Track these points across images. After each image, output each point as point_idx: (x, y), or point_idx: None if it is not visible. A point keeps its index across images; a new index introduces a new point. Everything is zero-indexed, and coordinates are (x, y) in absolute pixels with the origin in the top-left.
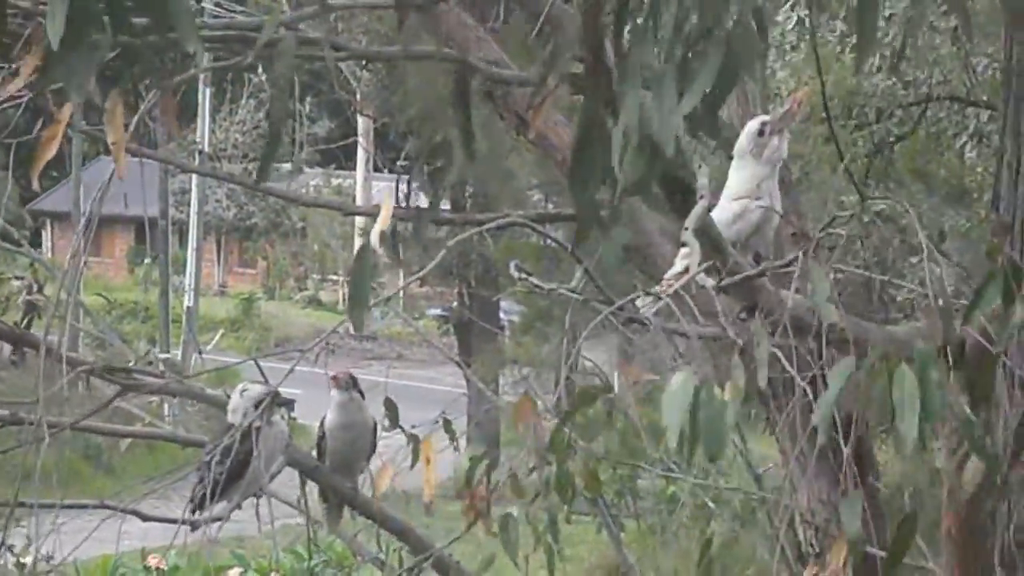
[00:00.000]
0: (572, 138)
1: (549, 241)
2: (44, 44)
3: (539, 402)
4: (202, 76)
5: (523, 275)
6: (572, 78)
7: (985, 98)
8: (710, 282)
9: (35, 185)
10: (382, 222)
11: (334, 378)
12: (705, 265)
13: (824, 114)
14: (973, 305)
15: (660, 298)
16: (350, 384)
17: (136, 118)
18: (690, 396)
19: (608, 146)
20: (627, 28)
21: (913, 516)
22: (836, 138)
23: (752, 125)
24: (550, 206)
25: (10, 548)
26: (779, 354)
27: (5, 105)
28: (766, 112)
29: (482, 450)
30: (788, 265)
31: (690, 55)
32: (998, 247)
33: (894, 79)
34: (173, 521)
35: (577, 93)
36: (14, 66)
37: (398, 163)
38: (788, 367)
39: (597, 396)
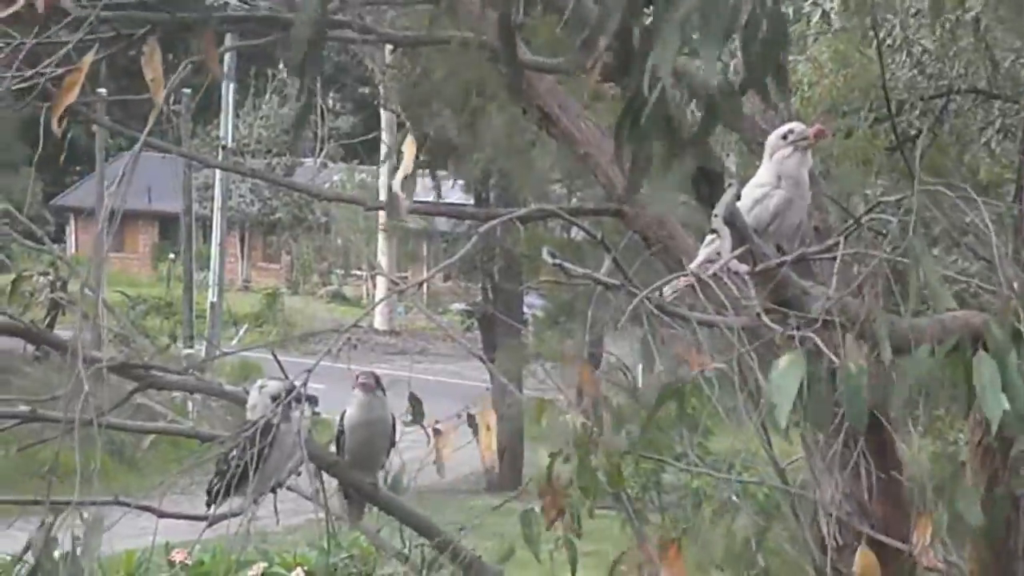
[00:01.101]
0: (624, 103)
1: (573, 235)
2: None
3: (562, 396)
4: (225, 70)
5: (556, 261)
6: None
7: (1008, 92)
8: (744, 268)
9: (54, 127)
10: (406, 168)
11: (361, 384)
12: (739, 251)
13: (844, 108)
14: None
15: (692, 284)
16: (376, 386)
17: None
18: (801, 376)
19: (655, 109)
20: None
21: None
22: (895, 126)
23: (782, 128)
24: (573, 200)
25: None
26: (821, 345)
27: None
28: (790, 113)
29: (506, 445)
30: (828, 250)
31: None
32: None
33: (915, 71)
34: (189, 517)
35: (611, 80)
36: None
37: (420, 157)
38: (833, 358)
39: (680, 392)
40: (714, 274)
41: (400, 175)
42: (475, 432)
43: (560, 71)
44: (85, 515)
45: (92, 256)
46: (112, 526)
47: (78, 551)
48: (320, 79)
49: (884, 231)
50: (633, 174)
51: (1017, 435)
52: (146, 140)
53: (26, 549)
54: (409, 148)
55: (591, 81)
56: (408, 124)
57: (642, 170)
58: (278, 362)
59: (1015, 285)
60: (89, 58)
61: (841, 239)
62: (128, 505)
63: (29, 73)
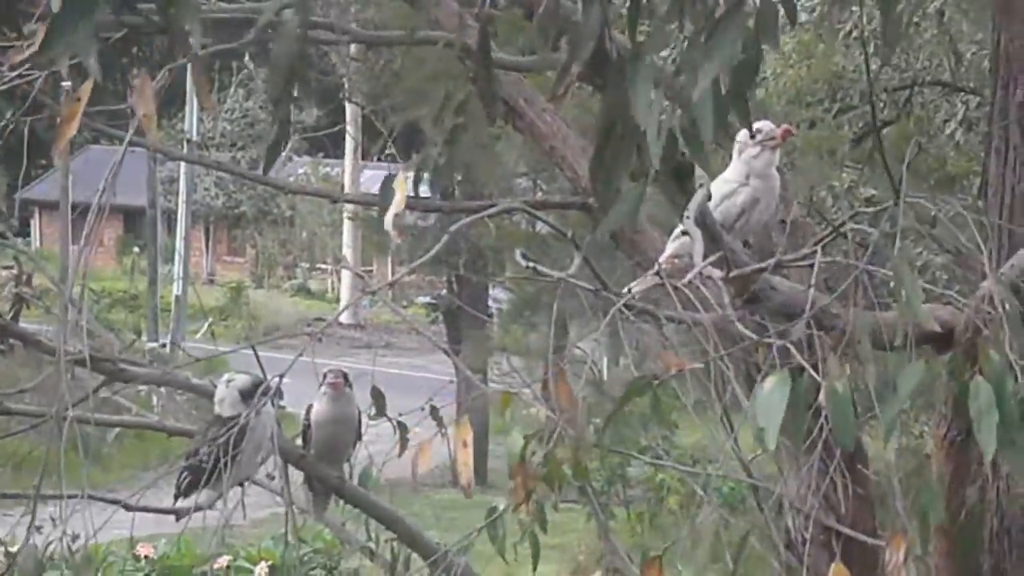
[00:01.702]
0: (597, 128)
1: (539, 229)
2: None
3: (527, 390)
4: (190, 64)
5: (530, 263)
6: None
7: (971, 84)
8: (718, 273)
9: (57, 158)
10: (397, 205)
11: (331, 383)
12: (713, 258)
13: (809, 99)
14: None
15: (665, 280)
16: (342, 381)
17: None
18: (787, 397)
19: (630, 136)
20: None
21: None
22: (874, 116)
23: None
24: (538, 193)
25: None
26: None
27: (11, 81)
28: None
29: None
30: (804, 258)
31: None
32: None
33: (879, 63)
34: (159, 511)
35: (588, 83)
36: (24, 42)
37: (386, 151)
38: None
39: (647, 387)
40: (689, 281)
41: (391, 214)
42: (439, 425)
43: (526, 69)
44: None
45: (62, 251)
46: (70, 516)
47: None
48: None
49: (861, 240)
50: (603, 204)
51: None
52: (111, 134)
53: (10, 567)
54: (400, 187)
55: (562, 101)
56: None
57: (612, 189)
58: (258, 359)
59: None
60: (88, 87)
61: (818, 248)
62: (99, 500)
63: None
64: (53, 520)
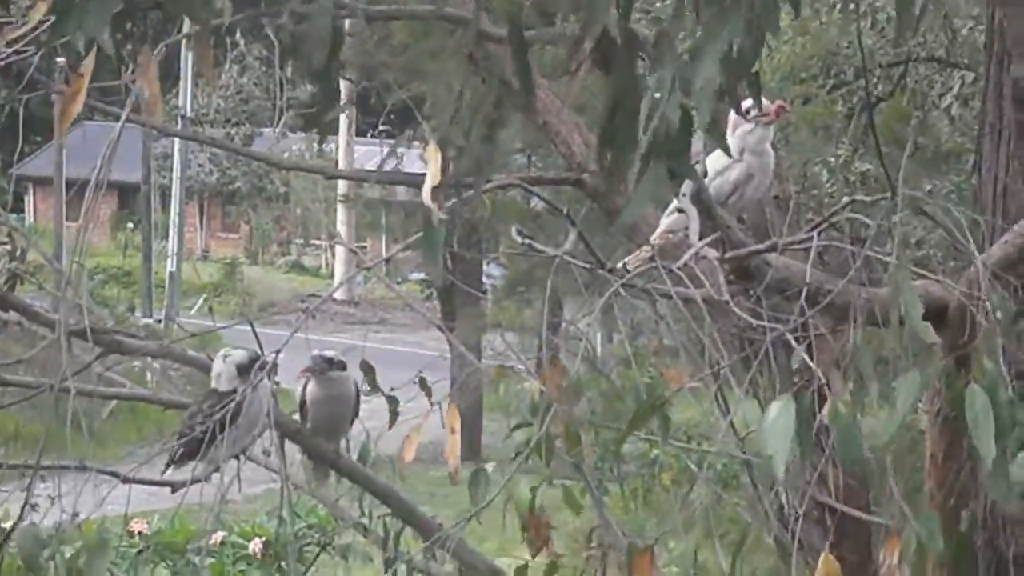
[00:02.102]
0: (603, 105)
1: (534, 204)
2: None
3: (520, 366)
4: (184, 41)
5: (526, 239)
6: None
7: (966, 60)
8: (713, 253)
9: (58, 136)
10: (432, 177)
11: (305, 371)
12: (709, 239)
13: (803, 75)
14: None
15: (656, 256)
16: (324, 368)
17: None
18: (793, 424)
19: (636, 113)
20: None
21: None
22: (868, 91)
23: (744, 104)
24: (533, 168)
25: None
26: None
27: (6, 58)
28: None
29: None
30: (801, 242)
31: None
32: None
33: (874, 39)
34: (154, 483)
35: (596, 63)
36: (21, 20)
37: (379, 127)
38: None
39: (654, 410)
40: (681, 254)
41: (428, 185)
42: (427, 394)
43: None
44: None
45: (56, 227)
46: (69, 492)
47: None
48: (278, 49)
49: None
50: (610, 178)
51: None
52: (104, 110)
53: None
54: (433, 156)
55: (575, 84)
56: (424, 126)
57: (619, 174)
58: (255, 334)
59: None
60: (91, 63)
61: (814, 233)
62: (92, 470)
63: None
64: (51, 499)
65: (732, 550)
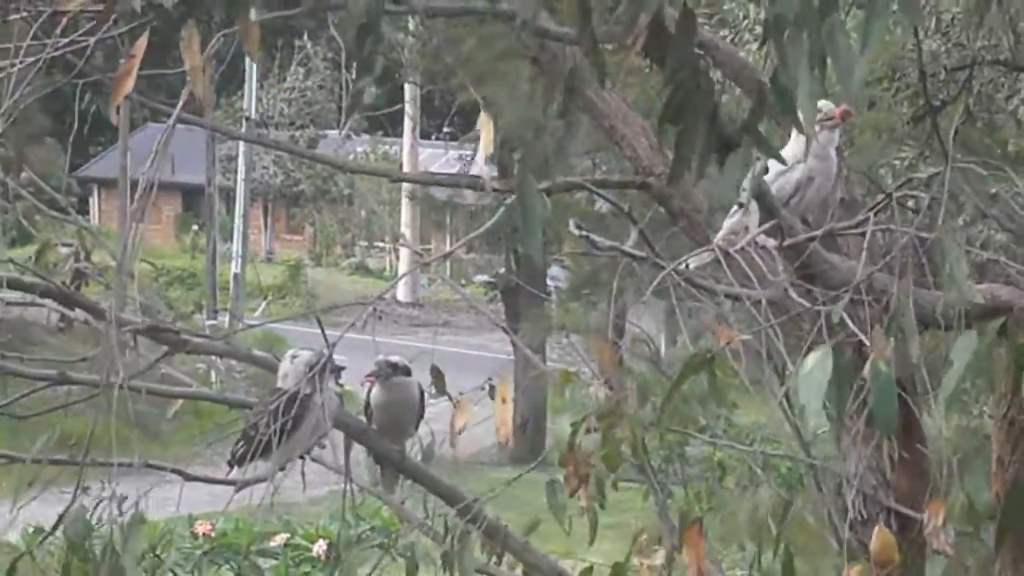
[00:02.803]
0: (664, 86)
1: (598, 207)
2: None
3: (586, 368)
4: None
5: (582, 233)
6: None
7: None
8: (772, 242)
9: (113, 119)
10: (486, 145)
11: (369, 377)
12: (766, 226)
13: (868, 79)
14: None
15: (720, 255)
16: (388, 373)
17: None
18: (829, 375)
19: (699, 96)
20: None
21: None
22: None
23: None
24: (598, 172)
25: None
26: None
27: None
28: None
29: (529, 416)
30: (857, 226)
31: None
32: None
33: (942, 42)
34: (216, 481)
35: (643, 54)
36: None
37: (444, 129)
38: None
39: (705, 364)
40: (742, 248)
41: (482, 154)
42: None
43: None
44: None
45: (120, 227)
46: (142, 496)
47: (119, 548)
48: (343, 51)
49: (914, 207)
50: (677, 159)
51: None
52: (169, 112)
53: (57, 524)
54: (486, 126)
55: (628, 59)
56: (481, 103)
57: (686, 155)
58: (322, 329)
59: None
60: (142, 43)
61: (870, 215)
62: (156, 468)
63: (56, 44)
64: (119, 497)
65: (797, 553)
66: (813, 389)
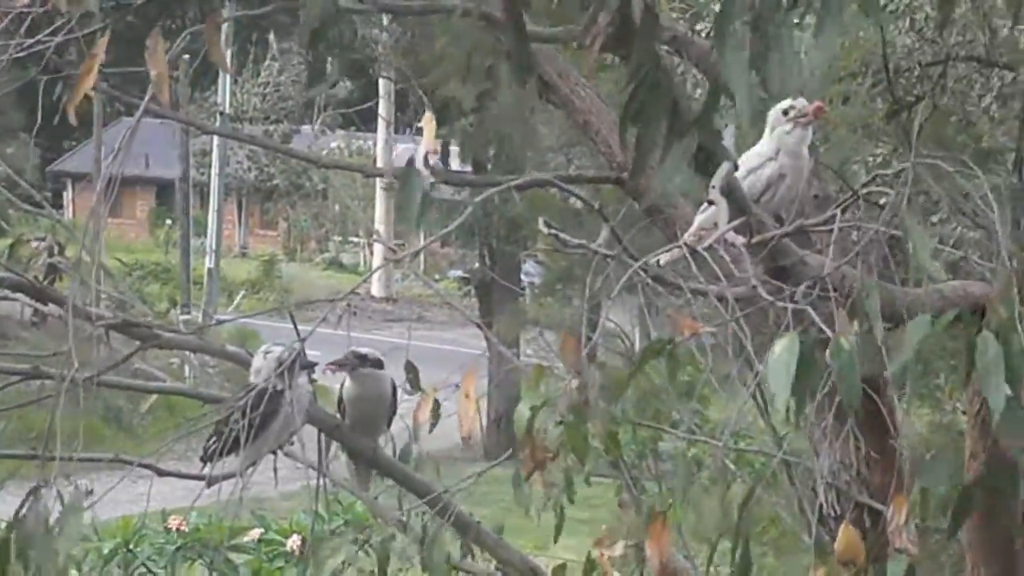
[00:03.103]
0: (627, 84)
1: (572, 202)
2: None
3: (560, 363)
4: (223, 37)
5: (552, 231)
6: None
7: (1005, 60)
8: (740, 240)
9: (71, 119)
10: (426, 143)
11: (332, 364)
12: (735, 223)
13: (841, 74)
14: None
15: (687, 253)
16: (355, 364)
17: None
18: (796, 360)
19: (660, 93)
20: None
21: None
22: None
23: (783, 103)
24: (572, 168)
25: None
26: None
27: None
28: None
29: (502, 412)
30: (826, 222)
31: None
32: None
33: (915, 38)
34: (189, 476)
35: (609, 51)
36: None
37: (416, 124)
38: (826, 329)
39: (662, 350)
40: (710, 245)
41: (422, 151)
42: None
43: (559, 40)
44: (72, 484)
45: (90, 222)
46: (108, 491)
47: (55, 531)
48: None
49: (884, 203)
50: (638, 155)
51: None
52: (136, 104)
53: (17, 514)
54: (428, 124)
55: (591, 57)
56: (424, 99)
57: (647, 152)
58: (295, 324)
59: (1013, 260)
60: (103, 41)
61: (838, 211)
62: (127, 462)
63: (29, 42)
64: (88, 493)
65: (770, 549)
66: (781, 375)
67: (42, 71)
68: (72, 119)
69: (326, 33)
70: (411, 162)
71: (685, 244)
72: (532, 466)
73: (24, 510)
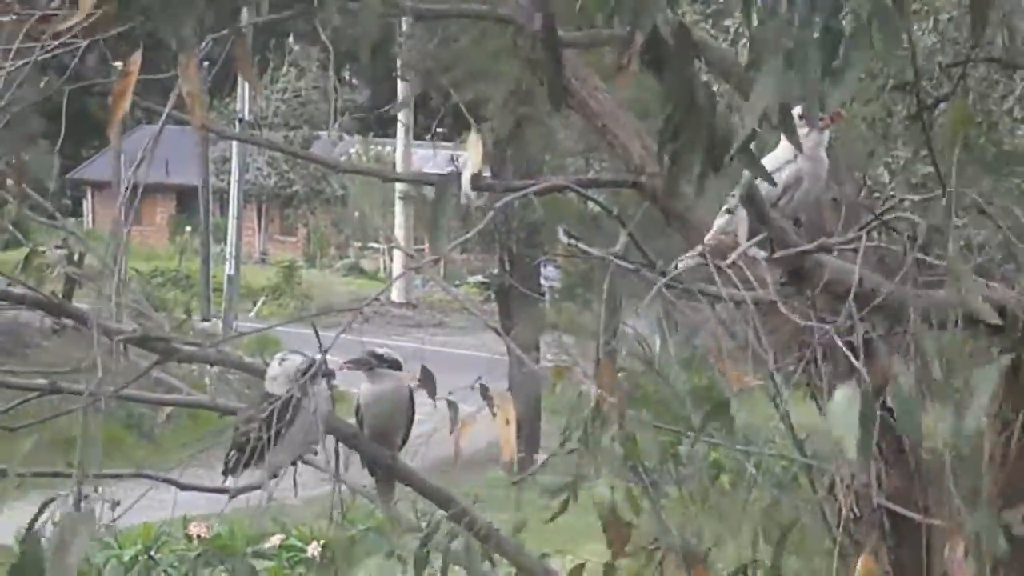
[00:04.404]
0: (664, 105)
1: (591, 206)
2: None
3: (579, 368)
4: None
5: (571, 240)
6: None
7: None
8: (762, 254)
9: (111, 137)
10: (474, 165)
11: (348, 362)
12: (757, 240)
13: (862, 76)
14: None
15: (704, 258)
16: (371, 363)
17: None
18: (857, 408)
19: (701, 113)
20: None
21: None
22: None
23: (799, 108)
24: (591, 172)
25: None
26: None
27: (53, 51)
28: None
29: (523, 416)
30: (849, 242)
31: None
32: None
33: (934, 39)
34: (211, 490)
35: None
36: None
37: (436, 128)
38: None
39: (724, 409)
40: (732, 262)
41: (468, 174)
42: (489, 404)
43: (581, 45)
44: (99, 497)
45: (112, 231)
46: (136, 502)
47: (65, 547)
48: (334, 52)
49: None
50: (670, 178)
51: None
52: (160, 112)
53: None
54: (475, 146)
55: (627, 80)
56: (472, 122)
57: (680, 175)
58: (316, 332)
59: None
60: (137, 58)
61: (863, 234)
62: (150, 477)
63: (50, 46)
64: (113, 503)
65: (791, 551)
66: (846, 422)
67: (62, 78)
68: (113, 140)
69: (386, 47)
70: (450, 178)
71: (704, 253)
72: (620, 547)
73: (38, 524)
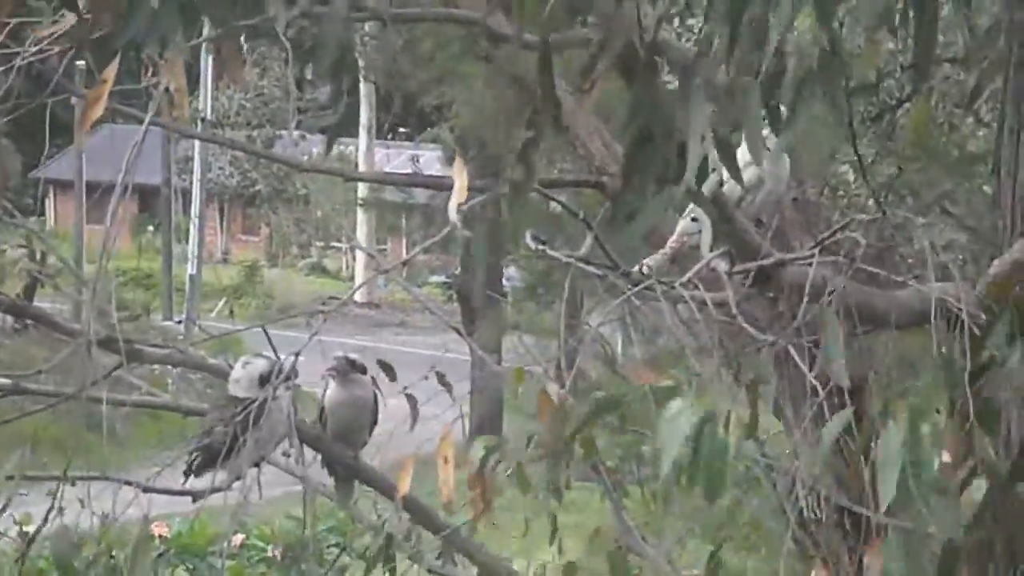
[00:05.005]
0: (627, 131)
1: (554, 206)
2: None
3: (539, 368)
4: (204, 44)
5: (539, 245)
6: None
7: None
8: (723, 266)
9: (79, 144)
10: (458, 196)
11: (330, 371)
12: (718, 253)
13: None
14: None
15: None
16: (347, 369)
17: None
18: (688, 428)
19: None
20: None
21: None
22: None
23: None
24: (555, 171)
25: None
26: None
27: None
28: None
29: (486, 416)
30: (805, 258)
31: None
32: (1008, 285)
33: (895, 41)
34: (178, 493)
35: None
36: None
37: (400, 129)
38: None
39: (615, 406)
40: (690, 273)
41: (454, 203)
42: (449, 391)
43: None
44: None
45: (73, 229)
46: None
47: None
48: (290, 52)
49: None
50: (632, 186)
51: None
52: (126, 112)
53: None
54: (459, 173)
55: (590, 101)
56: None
57: (644, 184)
58: (270, 341)
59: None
60: (112, 71)
61: (816, 251)
62: (115, 480)
63: (13, 50)
64: (81, 501)
65: (750, 551)
66: (673, 437)
67: (27, 78)
68: (80, 142)
69: (344, 60)
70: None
71: (667, 251)
72: (482, 505)
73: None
